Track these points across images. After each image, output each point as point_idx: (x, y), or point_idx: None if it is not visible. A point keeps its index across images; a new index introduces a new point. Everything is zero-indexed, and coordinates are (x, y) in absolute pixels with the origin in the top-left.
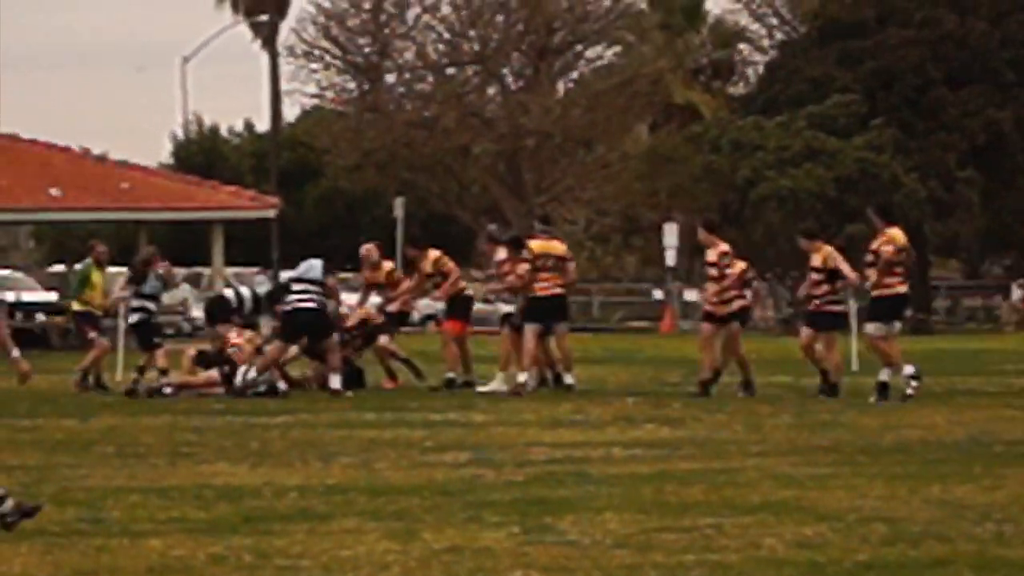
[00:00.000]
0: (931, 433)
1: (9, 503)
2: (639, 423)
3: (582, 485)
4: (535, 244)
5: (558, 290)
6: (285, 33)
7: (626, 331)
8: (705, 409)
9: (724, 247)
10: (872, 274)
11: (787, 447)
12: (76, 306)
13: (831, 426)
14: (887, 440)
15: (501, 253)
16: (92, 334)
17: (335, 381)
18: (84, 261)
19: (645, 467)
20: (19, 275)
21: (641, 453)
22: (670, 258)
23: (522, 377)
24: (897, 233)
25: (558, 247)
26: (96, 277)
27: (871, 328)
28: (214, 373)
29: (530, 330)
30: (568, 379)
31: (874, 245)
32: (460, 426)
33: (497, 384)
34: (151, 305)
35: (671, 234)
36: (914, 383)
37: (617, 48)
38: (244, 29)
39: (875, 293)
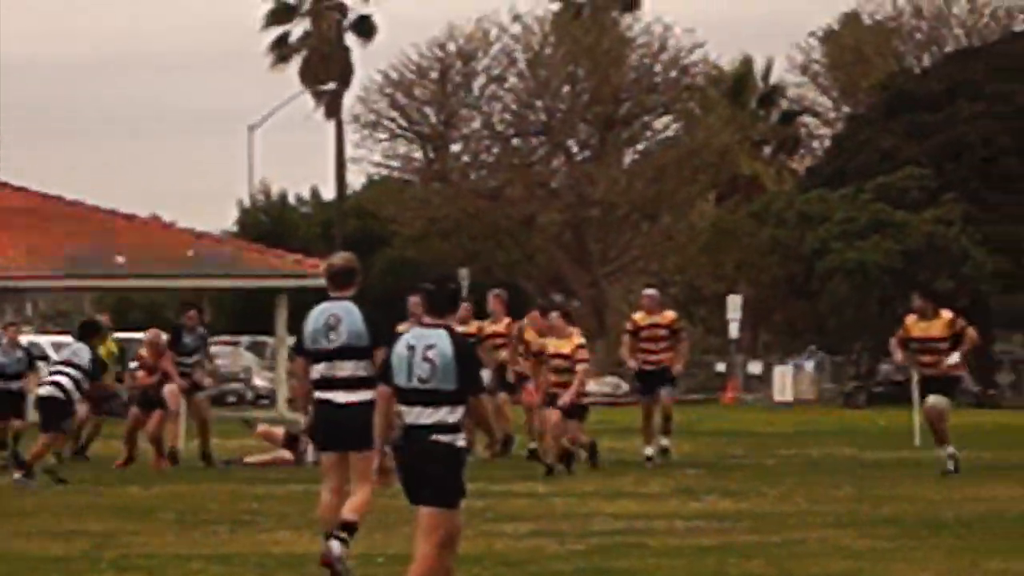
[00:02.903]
0: (992, 507)
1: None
2: (700, 495)
3: (644, 557)
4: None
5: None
6: (350, 102)
7: (688, 403)
8: (767, 482)
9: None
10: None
11: (848, 519)
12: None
13: (892, 499)
14: (948, 513)
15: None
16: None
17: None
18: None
19: (707, 539)
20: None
21: (703, 525)
22: (733, 330)
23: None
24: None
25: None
26: (101, 349)
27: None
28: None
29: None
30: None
31: (938, 332)
32: (522, 496)
33: None
34: None
35: (734, 306)
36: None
37: (683, 120)
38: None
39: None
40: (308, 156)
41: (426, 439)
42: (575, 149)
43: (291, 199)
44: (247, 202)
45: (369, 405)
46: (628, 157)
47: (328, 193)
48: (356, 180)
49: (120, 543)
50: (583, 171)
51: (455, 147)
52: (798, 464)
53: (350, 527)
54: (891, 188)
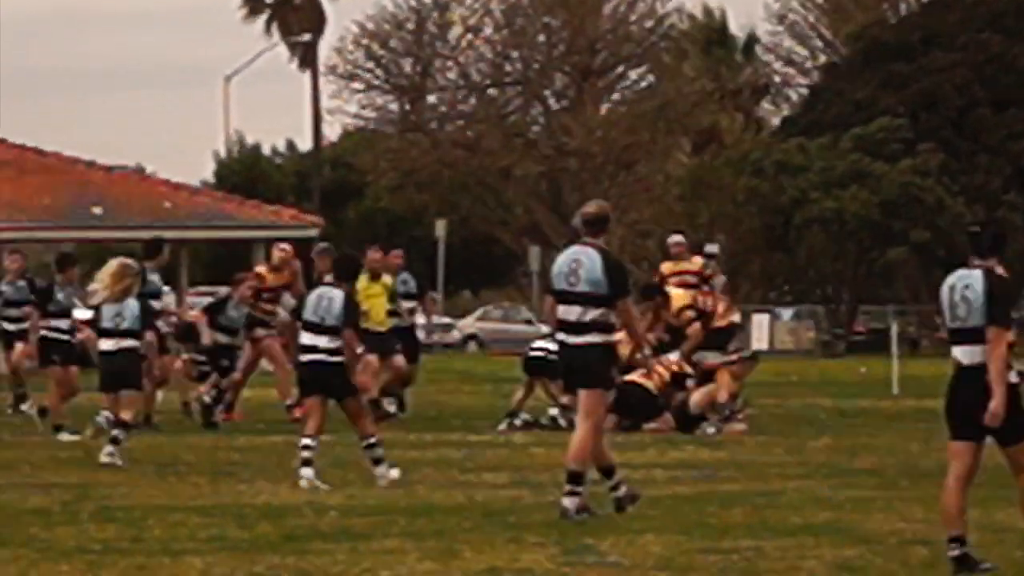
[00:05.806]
0: None
1: (623, 488)
2: (680, 445)
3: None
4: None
5: None
6: (325, 52)
7: None
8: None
9: None
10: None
11: (828, 470)
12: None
13: (871, 449)
14: (927, 463)
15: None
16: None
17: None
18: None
19: (686, 489)
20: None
21: (682, 475)
22: None
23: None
24: None
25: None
26: (368, 288)
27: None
28: None
29: None
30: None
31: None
32: (501, 447)
33: None
34: None
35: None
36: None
37: (656, 71)
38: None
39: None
40: (284, 107)
41: (982, 378)
42: (552, 99)
43: (266, 150)
44: (223, 153)
45: (596, 348)
46: (604, 107)
47: (304, 144)
48: (332, 131)
49: (100, 495)
50: (560, 121)
51: (431, 98)
52: (777, 414)
53: (575, 478)
54: (868, 138)
